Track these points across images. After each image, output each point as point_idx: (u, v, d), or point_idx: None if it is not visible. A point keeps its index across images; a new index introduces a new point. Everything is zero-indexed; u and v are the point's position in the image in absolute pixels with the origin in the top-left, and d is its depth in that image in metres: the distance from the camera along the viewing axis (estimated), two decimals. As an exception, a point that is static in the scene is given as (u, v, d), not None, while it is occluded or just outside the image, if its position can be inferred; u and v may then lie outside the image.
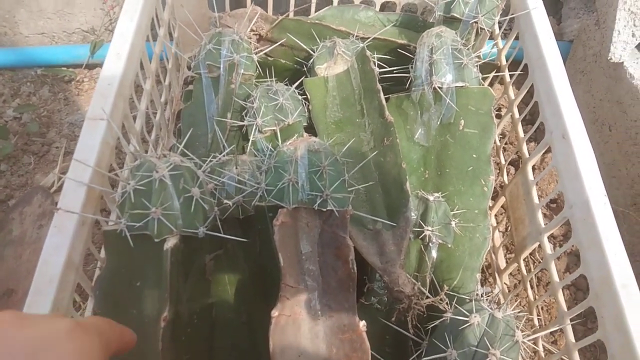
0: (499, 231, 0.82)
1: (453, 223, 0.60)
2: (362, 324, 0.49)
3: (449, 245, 0.60)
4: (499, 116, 0.90)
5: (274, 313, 0.47)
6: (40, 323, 0.30)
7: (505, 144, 0.92)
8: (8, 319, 0.29)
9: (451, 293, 0.57)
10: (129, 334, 0.36)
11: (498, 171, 0.79)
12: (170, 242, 0.46)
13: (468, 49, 0.66)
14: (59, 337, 0.29)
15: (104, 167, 0.51)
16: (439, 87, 0.63)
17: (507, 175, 0.77)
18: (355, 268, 0.50)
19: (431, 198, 0.59)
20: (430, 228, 0.58)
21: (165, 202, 0.46)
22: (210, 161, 0.53)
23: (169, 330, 0.46)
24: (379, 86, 0.63)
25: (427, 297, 0.55)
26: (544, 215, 0.87)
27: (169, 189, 0.46)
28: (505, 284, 0.75)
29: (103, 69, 0.55)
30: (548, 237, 0.83)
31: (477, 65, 0.66)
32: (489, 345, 0.48)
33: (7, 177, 0.87)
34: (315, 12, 0.82)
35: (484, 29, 0.69)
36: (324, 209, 0.51)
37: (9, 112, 0.95)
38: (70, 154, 0.88)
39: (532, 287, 0.78)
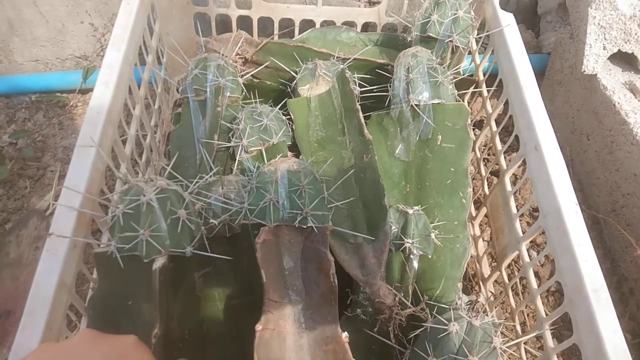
0: (483, 240, 0.84)
1: (433, 235, 0.62)
2: (345, 335, 0.51)
3: (430, 256, 0.62)
4: (480, 127, 0.93)
5: (258, 327, 0.49)
6: (111, 339, 0.38)
7: (488, 154, 0.94)
8: (87, 337, 0.37)
9: (433, 303, 0.59)
10: None
11: (480, 182, 0.81)
12: (159, 262, 0.48)
13: (444, 67, 0.68)
14: (128, 349, 0.37)
15: (94, 192, 0.53)
16: (416, 105, 0.65)
17: (489, 185, 0.79)
18: (337, 282, 0.52)
19: (411, 211, 0.61)
20: (410, 240, 0.60)
21: (153, 224, 0.48)
22: (197, 182, 0.55)
23: (160, 347, 0.48)
24: (358, 106, 0.65)
25: (408, 307, 0.56)
26: (528, 224, 0.89)
27: (156, 212, 0.48)
28: (491, 291, 0.77)
29: (92, 98, 0.58)
30: (531, 246, 0.86)
31: (452, 83, 0.68)
32: (467, 353, 0.50)
33: (3, 201, 0.89)
34: (299, 34, 0.85)
35: (459, 47, 0.72)
36: (305, 226, 0.53)
37: (5, 137, 0.97)
38: (64, 178, 0.90)
39: (517, 294, 0.80)
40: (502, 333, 0.54)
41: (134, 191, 0.49)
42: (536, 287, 0.62)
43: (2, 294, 0.74)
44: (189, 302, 0.57)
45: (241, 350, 0.58)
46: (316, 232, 0.53)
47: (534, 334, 0.60)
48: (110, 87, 0.59)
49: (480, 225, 0.83)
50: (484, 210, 0.78)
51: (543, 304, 0.61)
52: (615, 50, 0.82)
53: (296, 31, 0.88)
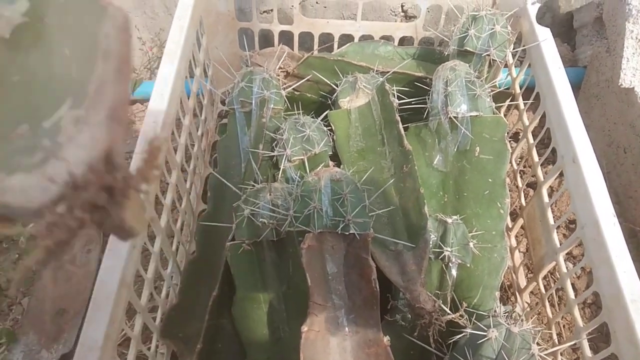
0: (519, 251, 0.85)
1: (471, 244, 0.63)
2: (387, 339, 0.53)
3: (468, 265, 0.63)
4: (517, 140, 0.94)
5: (304, 328, 0.52)
6: None
7: (524, 166, 0.95)
8: None
9: (471, 310, 0.60)
10: None
11: (517, 193, 0.82)
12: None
13: (481, 81, 0.70)
14: None
15: (150, 197, 0.57)
16: (455, 117, 0.67)
17: (525, 197, 0.80)
18: (378, 287, 0.54)
19: (450, 220, 0.63)
20: (449, 249, 0.62)
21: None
22: (247, 189, 0.58)
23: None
24: (398, 117, 0.68)
25: (448, 314, 0.58)
26: (564, 236, 0.89)
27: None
28: (527, 302, 0.77)
29: (148, 107, 0.62)
30: (568, 257, 0.86)
31: (490, 95, 0.70)
32: (506, 359, 0.52)
33: (56, 206, 0.94)
34: (338, 48, 0.88)
35: (496, 60, 0.74)
36: (347, 233, 0.55)
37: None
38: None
39: (553, 306, 0.81)
40: (537, 344, 0.55)
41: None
42: (573, 297, 0.63)
43: (56, 293, 0.79)
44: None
45: (283, 351, 0.61)
46: (358, 238, 0.56)
47: (572, 343, 0.60)
48: (165, 98, 0.62)
49: (516, 236, 0.84)
50: (520, 222, 0.79)
51: (580, 316, 0.62)
52: (654, 63, 0.82)
53: (335, 45, 0.90)
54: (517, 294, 0.79)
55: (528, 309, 0.76)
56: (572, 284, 0.83)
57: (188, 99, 0.75)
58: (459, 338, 0.56)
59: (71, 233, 0.22)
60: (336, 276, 0.55)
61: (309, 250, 0.55)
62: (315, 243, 0.56)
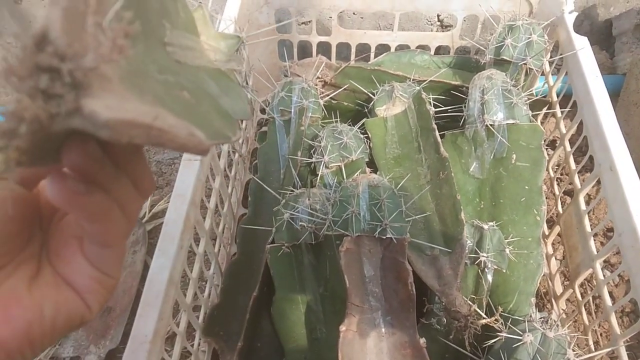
0: (556, 259, 0.84)
1: (507, 250, 0.64)
2: (422, 341, 0.54)
3: (504, 271, 0.64)
4: (553, 147, 0.94)
5: (342, 328, 0.54)
6: None
7: (561, 174, 0.95)
8: None
9: (507, 315, 0.61)
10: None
11: (554, 201, 0.82)
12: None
13: (518, 89, 0.71)
14: None
15: (197, 200, 0.60)
16: (491, 125, 0.68)
17: (562, 204, 0.80)
18: (414, 290, 0.55)
19: (486, 227, 0.64)
20: (485, 254, 0.63)
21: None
22: (287, 194, 0.61)
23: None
24: (434, 125, 0.69)
25: (483, 318, 0.59)
26: (602, 243, 0.89)
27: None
28: (563, 309, 0.77)
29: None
30: (605, 265, 0.85)
31: (527, 104, 0.71)
32: (541, 363, 0.53)
33: (103, 209, 0.98)
34: (375, 58, 0.90)
35: (533, 69, 0.74)
36: (384, 237, 0.57)
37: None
38: (158, 188, 0.99)
39: (589, 314, 0.80)
40: (573, 349, 0.55)
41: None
42: (610, 304, 0.63)
43: (104, 292, 0.83)
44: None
45: (320, 351, 0.63)
46: (395, 242, 0.57)
47: (609, 350, 0.60)
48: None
49: (553, 243, 0.84)
50: (556, 229, 0.79)
51: (617, 324, 0.62)
52: (695, 71, 0.81)
53: (372, 55, 0.93)
54: (553, 301, 0.79)
55: (564, 316, 0.76)
56: (610, 292, 0.82)
57: (230, 107, 0.78)
58: (494, 342, 0.57)
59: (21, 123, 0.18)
60: (373, 279, 0.57)
61: (347, 253, 0.57)
62: (353, 246, 0.57)
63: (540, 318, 0.58)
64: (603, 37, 1.09)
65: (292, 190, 0.67)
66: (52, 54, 0.18)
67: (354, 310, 0.54)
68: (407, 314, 0.56)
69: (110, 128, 0.18)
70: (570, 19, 0.77)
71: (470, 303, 0.59)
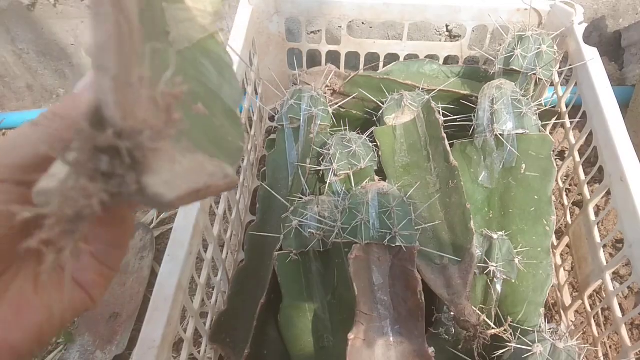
0: (565, 269, 0.84)
1: (517, 260, 0.64)
2: (431, 350, 0.54)
3: (513, 281, 0.64)
4: (562, 158, 0.93)
5: (350, 336, 0.53)
6: None
7: (570, 184, 0.94)
8: None
9: (516, 325, 0.60)
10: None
11: (562, 211, 0.82)
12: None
13: (527, 99, 0.71)
14: None
15: (206, 207, 0.60)
16: (500, 134, 0.68)
17: (571, 215, 0.79)
18: (424, 299, 0.55)
19: (495, 236, 0.64)
20: (494, 264, 0.62)
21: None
22: (296, 201, 0.61)
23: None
24: (444, 134, 0.69)
25: (492, 328, 0.59)
26: (611, 255, 0.88)
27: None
28: (572, 321, 0.77)
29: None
30: (615, 277, 0.85)
31: (536, 114, 0.71)
32: (551, 374, 0.52)
33: (111, 215, 0.99)
34: (384, 67, 0.90)
35: (542, 79, 0.74)
36: (393, 245, 0.57)
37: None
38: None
39: (599, 325, 0.79)
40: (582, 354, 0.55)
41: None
42: (620, 315, 0.62)
43: (111, 298, 0.83)
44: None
45: (328, 359, 0.62)
46: (404, 251, 0.57)
47: (619, 363, 0.60)
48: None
49: (561, 254, 0.84)
50: (565, 240, 0.79)
51: (627, 335, 0.61)
52: None
53: (381, 65, 0.93)
54: (562, 312, 0.78)
55: (573, 328, 0.75)
56: (619, 304, 0.81)
57: (240, 114, 0.78)
58: (503, 352, 0.56)
59: (79, 207, 0.18)
60: (382, 287, 0.57)
61: (356, 261, 0.57)
62: (362, 254, 0.57)
63: (550, 329, 0.58)
64: (612, 48, 1.09)
65: (300, 198, 0.67)
66: (110, 134, 0.17)
67: (363, 318, 0.54)
68: (416, 322, 0.55)
69: (171, 205, 0.18)
70: (579, 30, 0.77)
71: (479, 313, 0.59)
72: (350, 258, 0.56)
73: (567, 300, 0.78)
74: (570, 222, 0.78)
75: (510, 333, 0.58)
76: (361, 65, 0.93)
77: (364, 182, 0.65)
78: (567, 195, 0.85)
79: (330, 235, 0.61)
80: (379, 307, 0.56)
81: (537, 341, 0.54)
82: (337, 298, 0.63)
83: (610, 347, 0.78)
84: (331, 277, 0.63)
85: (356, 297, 0.55)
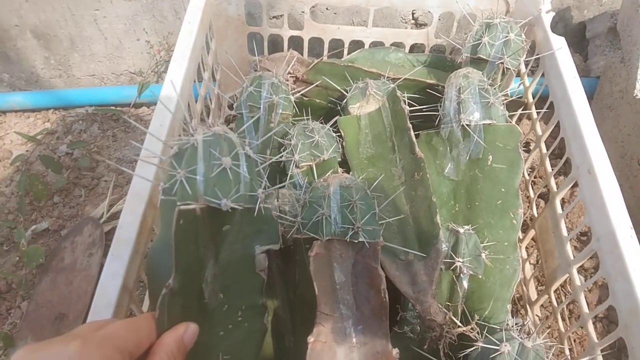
0: (530, 263, 0.83)
1: (483, 255, 0.62)
2: (395, 351, 0.51)
3: (480, 276, 0.61)
4: (528, 150, 0.92)
5: (310, 339, 0.50)
6: (49, 353, 0.32)
7: (535, 177, 0.93)
8: (21, 356, 0.32)
9: (482, 323, 0.58)
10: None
11: (528, 204, 0.80)
12: (185, 206, 0.41)
13: (495, 89, 0.69)
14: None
15: (154, 201, 0.55)
16: (467, 125, 0.66)
17: (537, 208, 0.78)
18: (387, 297, 0.52)
19: (461, 230, 0.61)
20: (461, 259, 0.60)
21: (191, 165, 0.42)
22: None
23: (176, 303, 0.43)
24: (409, 124, 0.66)
25: (459, 327, 0.56)
26: (575, 248, 0.88)
27: (198, 153, 0.43)
28: (537, 315, 0.76)
29: (155, 110, 0.61)
30: (579, 270, 0.84)
31: (503, 104, 0.68)
32: (519, 374, 0.50)
33: (59, 208, 0.93)
34: (348, 54, 0.86)
35: (510, 69, 0.72)
36: (356, 241, 0.54)
37: (62, 147, 1.02)
38: (118, 187, 0.94)
39: (563, 319, 0.79)
40: (550, 352, 0.53)
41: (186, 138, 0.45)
42: (587, 311, 0.61)
43: (56, 298, 0.77)
44: (242, 277, 0.51)
45: (290, 361, 0.59)
46: (367, 247, 0.54)
47: (586, 359, 0.59)
48: (172, 101, 0.61)
49: (526, 248, 0.83)
50: (531, 233, 0.77)
51: (594, 333, 0.60)
52: (670, 75, 0.81)
53: (345, 52, 0.89)
54: (527, 306, 0.77)
55: (539, 323, 0.74)
56: (584, 298, 0.81)
57: (196, 102, 0.74)
58: (471, 351, 0.54)
59: None
60: (344, 285, 0.54)
61: (316, 258, 0.53)
62: (323, 251, 0.54)
63: (516, 324, 0.56)
64: (577, 39, 1.09)
65: (260, 178, 0.63)
66: None
67: (323, 319, 0.51)
68: (380, 322, 0.52)
69: None
70: (547, 18, 0.75)
71: (446, 311, 0.56)
72: (310, 255, 0.53)
73: (533, 294, 0.77)
74: (536, 215, 0.76)
75: (477, 331, 0.56)
76: (325, 52, 0.90)
77: (327, 175, 0.61)
78: (532, 187, 0.84)
79: (290, 230, 0.57)
80: (341, 307, 0.53)
81: (504, 340, 0.52)
82: (299, 297, 0.60)
83: (574, 340, 0.78)
84: (292, 275, 0.60)
85: (317, 297, 0.52)
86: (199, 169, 0.42)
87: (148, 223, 0.54)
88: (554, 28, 1.07)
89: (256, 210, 0.46)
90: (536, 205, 0.80)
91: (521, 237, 0.80)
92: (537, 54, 0.76)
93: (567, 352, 0.66)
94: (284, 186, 0.64)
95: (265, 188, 0.55)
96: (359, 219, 0.54)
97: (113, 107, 1.09)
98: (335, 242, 0.54)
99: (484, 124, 0.66)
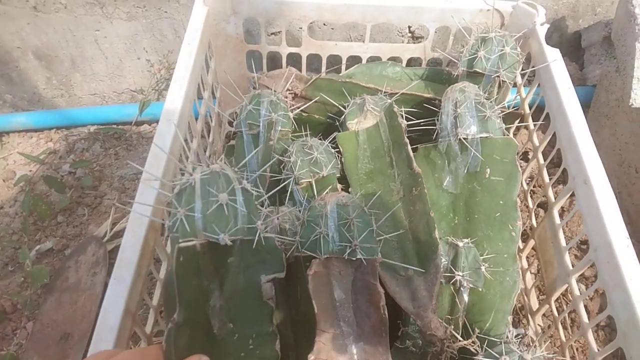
0: (531, 272, 0.83)
1: (483, 268, 0.62)
2: (396, 366, 0.51)
3: (480, 289, 0.62)
4: (527, 159, 0.93)
5: (310, 357, 0.50)
6: None
7: (534, 186, 0.94)
8: None
9: (483, 336, 0.59)
10: None
11: (527, 214, 0.81)
12: (185, 243, 0.44)
13: (491, 102, 0.69)
14: None
15: (157, 223, 0.56)
16: (464, 138, 0.67)
17: (536, 217, 0.79)
18: (387, 314, 0.53)
19: (461, 244, 0.62)
20: (460, 273, 0.61)
21: (190, 203, 0.45)
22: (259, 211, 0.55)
23: (182, 335, 0.46)
24: (407, 140, 0.67)
25: (460, 340, 0.57)
26: (576, 256, 0.88)
27: (196, 192, 0.45)
28: (539, 325, 0.76)
29: (156, 132, 0.62)
30: (579, 279, 0.85)
31: (500, 117, 0.69)
32: (520, 387, 0.50)
33: (63, 227, 0.94)
34: (346, 69, 0.87)
35: (506, 81, 0.73)
36: (354, 258, 0.54)
37: (65, 167, 1.03)
38: (121, 206, 0.95)
39: (565, 328, 0.79)
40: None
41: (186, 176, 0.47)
42: (587, 321, 0.61)
43: (61, 317, 0.78)
44: (248, 306, 0.52)
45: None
46: (365, 264, 0.55)
47: (587, 371, 0.59)
48: (173, 123, 0.62)
49: (527, 257, 0.83)
50: (531, 243, 0.78)
51: (594, 339, 0.61)
52: (664, 83, 0.82)
53: (343, 67, 0.90)
54: (529, 316, 0.77)
55: (540, 332, 0.74)
56: (585, 306, 0.81)
57: (196, 121, 0.75)
58: (471, 365, 0.55)
59: None
60: (344, 302, 0.54)
61: (315, 277, 0.54)
62: (322, 269, 0.55)
63: (517, 335, 0.56)
64: (572, 48, 1.10)
65: (259, 209, 0.63)
66: None
67: (323, 337, 0.51)
68: (380, 338, 0.53)
69: None
70: (542, 30, 0.76)
71: (446, 325, 0.57)
72: (309, 274, 0.53)
73: (534, 303, 0.77)
74: (535, 224, 0.77)
75: (478, 345, 0.56)
76: (323, 68, 0.91)
77: (325, 192, 0.62)
78: (531, 197, 0.85)
79: (291, 248, 0.58)
80: (341, 324, 0.53)
81: (504, 353, 0.52)
82: (302, 314, 0.60)
83: (577, 349, 0.78)
84: (294, 292, 0.60)
85: (316, 315, 0.52)
86: (197, 206, 0.45)
87: (150, 246, 0.54)
88: (549, 37, 1.08)
89: (255, 242, 0.48)
90: (535, 215, 0.80)
91: (521, 247, 0.81)
92: (533, 66, 0.76)
93: (568, 358, 0.66)
94: (284, 204, 0.65)
95: (265, 212, 0.55)
96: (356, 236, 0.54)
97: (115, 126, 1.11)
98: (334, 260, 0.55)
99: (481, 137, 0.67)
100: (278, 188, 0.60)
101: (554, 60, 0.72)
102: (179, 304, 0.45)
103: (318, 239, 0.54)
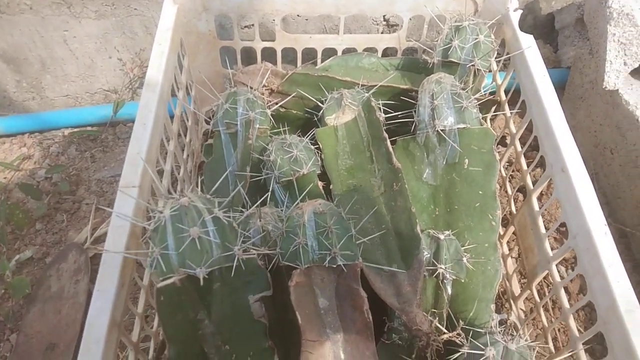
0: (512, 257, 0.85)
1: (465, 259, 0.63)
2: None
3: (463, 280, 0.63)
4: (505, 144, 0.94)
5: (298, 369, 0.51)
6: None
7: (513, 171, 0.95)
8: None
9: (467, 327, 0.60)
10: None
11: (507, 199, 0.82)
12: (164, 282, 0.46)
13: (467, 92, 0.70)
14: None
15: (137, 231, 0.56)
16: (442, 130, 0.67)
17: (515, 202, 0.80)
18: (371, 317, 0.53)
19: (442, 237, 0.62)
20: (443, 266, 0.61)
21: (163, 242, 0.46)
22: (238, 217, 0.55)
23: None
24: (385, 134, 0.67)
25: (445, 333, 0.58)
26: (555, 240, 0.90)
27: (167, 229, 0.47)
28: (522, 309, 0.77)
29: (132, 138, 0.61)
30: (560, 262, 0.86)
31: (477, 107, 0.69)
32: (505, 377, 0.51)
33: (42, 235, 0.92)
34: (322, 62, 0.87)
35: (481, 70, 0.73)
36: (334, 265, 0.54)
37: (40, 172, 1.01)
38: (100, 210, 0.93)
39: (546, 310, 0.80)
40: (535, 357, 0.55)
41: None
42: (568, 306, 0.62)
43: (45, 328, 0.77)
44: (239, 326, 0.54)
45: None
46: (346, 270, 0.55)
47: (568, 354, 0.60)
48: (147, 127, 0.61)
49: (508, 242, 0.84)
50: (511, 229, 0.79)
51: (574, 319, 0.62)
52: (637, 65, 0.82)
53: (319, 60, 0.90)
54: (511, 301, 0.78)
55: (523, 317, 0.76)
56: (565, 288, 0.83)
57: (172, 122, 0.74)
58: (457, 357, 0.55)
59: None
60: (328, 309, 0.54)
61: (297, 287, 0.53)
62: (303, 279, 0.54)
63: (501, 321, 0.57)
64: (546, 30, 1.10)
65: (242, 211, 0.63)
66: None
67: (310, 346, 0.52)
68: (366, 342, 0.53)
69: None
70: (515, 17, 0.76)
71: (431, 319, 0.57)
72: (290, 285, 0.53)
73: (516, 288, 0.78)
74: (515, 210, 0.78)
75: (463, 336, 0.57)
76: (299, 62, 0.90)
77: (299, 199, 0.61)
78: (510, 182, 0.86)
79: (274, 257, 0.58)
80: (327, 332, 0.53)
81: (489, 344, 0.53)
82: (289, 321, 0.60)
83: (559, 330, 0.79)
84: (280, 300, 0.60)
85: (300, 325, 0.52)
86: (170, 244, 0.46)
87: (132, 255, 0.54)
88: (523, 20, 1.09)
89: (233, 269, 0.48)
90: (515, 199, 0.81)
91: (502, 233, 0.82)
92: (507, 53, 0.77)
93: (551, 344, 0.68)
94: (265, 204, 0.65)
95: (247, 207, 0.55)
96: (335, 243, 0.54)
97: (90, 128, 1.08)
98: (315, 268, 0.55)
99: (458, 128, 0.67)
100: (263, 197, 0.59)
101: (528, 47, 0.72)
102: (168, 341, 0.47)
103: (298, 250, 0.54)
